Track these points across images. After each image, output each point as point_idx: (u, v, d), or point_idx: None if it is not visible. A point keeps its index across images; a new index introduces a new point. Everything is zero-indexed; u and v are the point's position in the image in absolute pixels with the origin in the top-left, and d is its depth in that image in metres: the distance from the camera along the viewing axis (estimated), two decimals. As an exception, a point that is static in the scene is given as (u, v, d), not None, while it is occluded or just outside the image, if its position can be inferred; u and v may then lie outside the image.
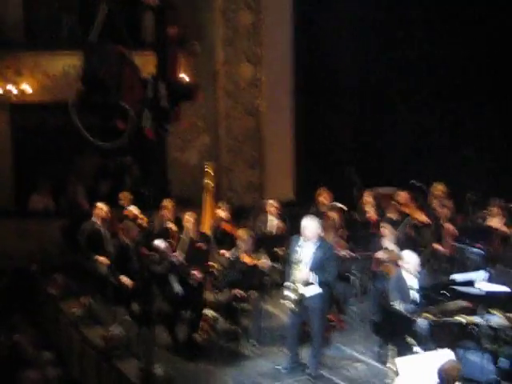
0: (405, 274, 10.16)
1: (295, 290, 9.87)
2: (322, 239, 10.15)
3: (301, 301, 9.86)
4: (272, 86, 17.20)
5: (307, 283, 9.80)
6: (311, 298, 9.86)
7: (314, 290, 9.83)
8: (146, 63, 8.22)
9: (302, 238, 9.98)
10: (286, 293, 9.97)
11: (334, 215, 13.76)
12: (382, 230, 12.48)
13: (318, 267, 9.78)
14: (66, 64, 15.44)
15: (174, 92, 3.78)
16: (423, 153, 17.71)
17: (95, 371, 10.58)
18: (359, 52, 17.62)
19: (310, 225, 9.90)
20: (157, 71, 3.62)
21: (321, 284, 9.81)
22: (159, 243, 11.52)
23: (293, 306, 9.94)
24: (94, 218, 13.19)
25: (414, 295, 9.72)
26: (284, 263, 12.74)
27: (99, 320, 11.56)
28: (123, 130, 3.55)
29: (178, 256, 12.10)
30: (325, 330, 10.36)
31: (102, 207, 13.24)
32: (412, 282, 10.06)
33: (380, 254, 12.01)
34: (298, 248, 9.96)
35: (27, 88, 16.04)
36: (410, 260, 10.15)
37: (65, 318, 11.99)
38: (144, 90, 3.71)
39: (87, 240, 13.04)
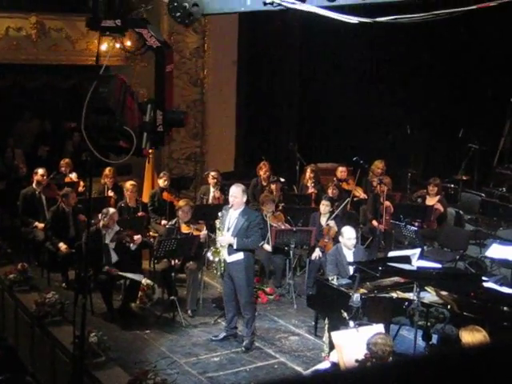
0: (344, 250, 10.28)
1: (216, 253, 10.04)
2: (247, 207, 10.29)
3: (223, 265, 10.03)
4: (217, 57, 17.12)
5: (230, 249, 9.90)
6: (233, 264, 9.95)
7: (236, 256, 9.91)
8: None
9: (229, 206, 10.10)
10: (208, 255, 10.30)
11: (273, 188, 13.84)
12: (321, 206, 12.58)
13: (241, 234, 9.86)
14: (8, 26, 15.19)
15: (169, 119, 4.12)
16: (364, 129, 17.88)
17: (29, 337, 10.50)
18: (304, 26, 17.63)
19: (234, 192, 9.97)
20: (155, 100, 3.98)
21: (242, 250, 9.89)
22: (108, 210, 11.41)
23: (216, 270, 10.19)
24: (33, 184, 13.05)
25: (350, 270, 9.83)
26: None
27: (35, 286, 11.44)
28: (126, 149, 3.97)
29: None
30: (253, 298, 10.43)
31: (41, 173, 13.09)
32: (349, 257, 10.19)
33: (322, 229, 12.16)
34: (225, 216, 10.08)
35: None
36: (349, 236, 10.25)
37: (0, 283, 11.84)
38: (141, 114, 4.05)
39: (25, 205, 12.92)
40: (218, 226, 10.21)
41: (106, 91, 4.11)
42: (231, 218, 10.01)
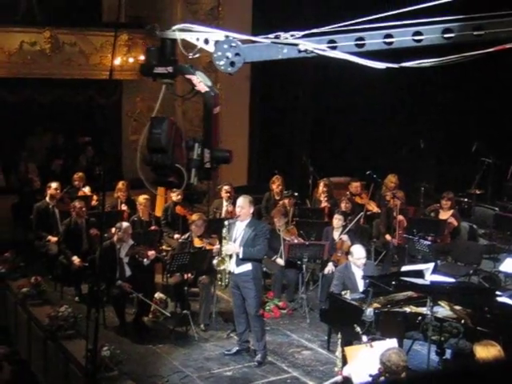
0: (353, 267, 10.23)
1: (222, 262, 10.14)
2: (254, 218, 10.30)
3: (228, 275, 10.15)
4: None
5: (238, 260, 9.91)
6: (241, 275, 9.95)
7: (244, 267, 9.91)
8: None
9: (236, 217, 10.16)
10: (213, 262, 10.34)
11: (286, 202, 13.83)
12: (334, 220, 12.56)
13: (248, 244, 9.88)
14: (22, 40, 15.28)
15: (216, 157, 4.38)
16: (378, 144, 17.86)
17: (42, 351, 10.51)
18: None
19: (241, 203, 9.99)
20: (203, 139, 4.28)
21: (249, 260, 9.89)
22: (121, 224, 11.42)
23: (220, 281, 10.50)
24: (46, 198, 13.09)
25: (360, 287, 9.79)
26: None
27: (48, 300, 11.46)
28: (175, 183, 4.29)
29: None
30: (261, 311, 10.40)
31: (54, 187, 13.13)
32: (359, 274, 10.14)
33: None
34: (232, 226, 10.13)
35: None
36: (359, 255, 10.18)
37: (13, 297, 11.86)
38: (187, 151, 4.36)
39: (38, 219, 12.96)
40: (223, 235, 10.24)
41: (160, 132, 4.46)
42: (238, 229, 10.03)
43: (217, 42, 4.50)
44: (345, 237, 12.26)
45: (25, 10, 15.72)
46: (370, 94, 17.57)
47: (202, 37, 4.50)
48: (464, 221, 14.63)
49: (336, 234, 12.44)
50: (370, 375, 7.13)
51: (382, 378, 6.93)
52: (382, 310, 9.01)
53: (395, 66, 4.40)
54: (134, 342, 10.61)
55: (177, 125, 4.58)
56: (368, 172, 14.23)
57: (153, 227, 13.06)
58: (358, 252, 10.23)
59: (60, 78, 16.08)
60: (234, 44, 4.45)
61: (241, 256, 9.87)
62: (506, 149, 17.37)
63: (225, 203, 14.03)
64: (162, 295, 11.37)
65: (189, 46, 4.53)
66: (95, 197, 14.07)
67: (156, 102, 5.02)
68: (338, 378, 8.30)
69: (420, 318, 8.78)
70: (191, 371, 9.74)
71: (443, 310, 8.92)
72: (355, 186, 14.85)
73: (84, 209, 12.50)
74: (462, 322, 8.60)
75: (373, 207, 14.63)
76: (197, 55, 4.54)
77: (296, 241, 12.40)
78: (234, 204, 13.70)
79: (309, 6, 18.19)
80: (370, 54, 4.42)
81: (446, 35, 4.28)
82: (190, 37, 4.52)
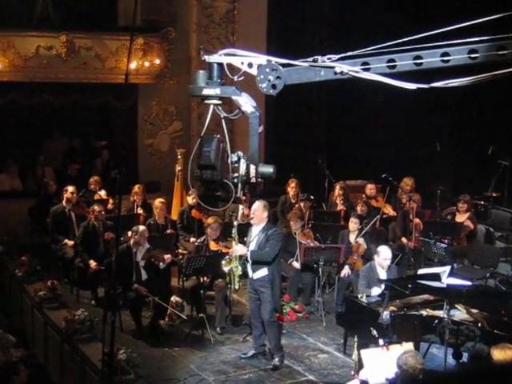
0: (378, 268, 10.24)
1: (228, 263, 10.18)
2: (268, 223, 10.28)
3: (234, 277, 10.21)
4: (245, 74, 17.14)
5: (254, 266, 9.93)
6: (258, 280, 9.96)
7: (260, 272, 9.92)
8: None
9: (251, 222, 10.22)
10: (222, 263, 10.30)
11: (302, 205, 13.82)
12: (349, 223, 12.55)
13: (260, 248, 9.90)
14: (38, 45, 15.34)
15: (261, 172, 4.69)
16: (393, 147, 17.83)
17: (59, 354, 10.53)
18: (335, 43, 17.67)
19: (255, 207, 10.01)
20: (249, 156, 4.62)
21: (264, 264, 9.89)
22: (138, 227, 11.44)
23: (229, 283, 10.48)
24: (63, 202, 13.13)
25: (381, 288, 9.78)
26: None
27: (64, 303, 11.50)
28: (224, 198, 4.57)
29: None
30: (276, 315, 10.35)
31: (71, 190, 13.17)
32: (382, 275, 10.14)
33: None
34: (249, 231, 10.22)
35: (-1, 67, 15.94)
36: (385, 256, 10.21)
37: (29, 300, 11.91)
38: (232, 167, 4.70)
39: (55, 223, 12.99)
40: (233, 235, 10.27)
41: (209, 150, 4.80)
42: (253, 233, 10.08)
43: (259, 66, 4.77)
44: (361, 240, 12.24)
45: (40, 14, 15.78)
46: (386, 96, 17.53)
47: (246, 61, 4.76)
48: (480, 223, 14.56)
49: (352, 237, 12.42)
50: (387, 379, 7.12)
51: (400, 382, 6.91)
52: (399, 313, 9.00)
53: (425, 86, 4.63)
54: (150, 345, 10.62)
55: (224, 143, 4.90)
56: (384, 175, 14.20)
57: (169, 231, 13.08)
58: (385, 252, 10.26)
59: (76, 82, 16.12)
60: (275, 68, 4.73)
61: (248, 258, 9.92)
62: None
63: (241, 207, 14.02)
64: (178, 299, 11.38)
65: (234, 68, 4.80)
66: (111, 200, 14.10)
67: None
68: (355, 382, 8.27)
69: (437, 321, 8.77)
70: (207, 374, 9.74)
71: (460, 313, 8.90)
72: (370, 188, 14.83)
73: (103, 212, 12.54)
74: (479, 325, 8.58)
75: (389, 210, 14.60)
76: (241, 78, 4.81)
77: (312, 244, 12.39)
78: (249, 207, 13.73)
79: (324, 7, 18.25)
80: (400, 74, 4.68)
81: (472, 55, 4.52)
82: (235, 61, 4.77)
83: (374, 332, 8.78)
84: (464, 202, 13.57)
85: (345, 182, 15.15)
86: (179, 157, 15.00)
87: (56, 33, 15.44)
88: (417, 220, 13.37)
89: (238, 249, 10.08)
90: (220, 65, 4.82)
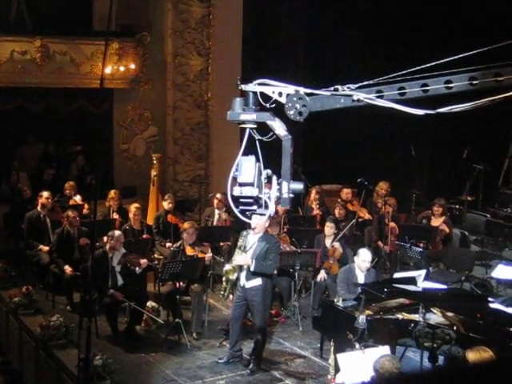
0: (356, 270, 10.26)
1: (233, 271, 10.16)
2: (266, 233, 10.28)
3: (229, 286, 10.22)
4: (221, 80, 17.15)
5: (248, 274, 9.93)
6: (251, 289, 9.96)
7: (254, 282, 9.93)
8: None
9: (251, 231, 10.14)
10: (225, 268, 10.36)
11: (278, 210, 13.82)
12: (325, 228, 12.57)
13: (259, 258, 9.90)
14: (13, 49, 15.25)
15: (293, 188, 5.48)
16: (369, 152, 17.88)
17: (34, 360, 10.47)
18: (312, 45, 17.74)
19: (260, 219, 9.98)
20: (282, 174, 5.44)
21: (259, 274, 9.92)
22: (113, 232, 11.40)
23: (223, 291, 10.43)
24: (38, 207, 13.06)
25: (357, 292, 9.80)
26: (227, 257, 12.84)
27: (39, 309, 11.43)
28: (260, 213, 5.27)
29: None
30: (266, 324, 10.38)
31: (45, 195, 13.10)
32: (361, 279, 10.17)
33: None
34: (245, 237, 10.16)
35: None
36: (365, 258, 10.24)
37: (4, 306, 11.83)
38: (263, 183, 5.44)
39: (30, 228, 12.92)
40: (239, 243, 10.23)
41: (249, 169, 5.38)
42: (250, 241, 10.08)
43: (288, 95, 5.14)
44: (337, 244, 12.26)
45: (15, 19, 15.69)
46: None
47: (276, 90, 5.13)
48: (456, 227, 14.66)
49: (328, 242, 12.44)
50: (364, 382, 7.13)
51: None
52: (375, 317, 9.02)
53: (432, 112, 4.97)
54: (126, 350, 10.58)
55: (258, 162, 5.45)
56: (359, 179, 14.26)
57: (144, 235, 13.06)
58: (365, 254, 10.29)
59: (51, 87, 16.03)
60: (301, 97, 5.11)
61: (252, 269, 9.90)
62: (497, 155, 17.43)
63: (217, 211, 14.03)
64: (154, 304, 11.36)
65: (266, 96, 5.18)
66: (86, 205, 14.05)
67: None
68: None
69: (412, 324, 8.79)
70: (184, 380, 9.72)
71: (435, 317, 8.94)
72: (346, 192, 14.89)
73: (77, 218, 12.48)
74: (455, 328, 8.62)
75: (364, 214, 14.65)
76: (273, 105, 5.18)
77: (288, 248, 12.39)
78: (229, 213, 13.70)
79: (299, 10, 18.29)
80: (407, 100, 5.06)
81: (472, 82, 4.88)
82: (267, 90, 5.14)
83: (351, 336, 8.79)
84: (439, 206, 13.64)
85: (320, 187, 15.19)
86: (155, 162, 14.99)
87: (30, 37, 15.35)
88: (392, 224, 13.42)
89: (241, 259, 10.06)
90: (254, 93, 5.22)
